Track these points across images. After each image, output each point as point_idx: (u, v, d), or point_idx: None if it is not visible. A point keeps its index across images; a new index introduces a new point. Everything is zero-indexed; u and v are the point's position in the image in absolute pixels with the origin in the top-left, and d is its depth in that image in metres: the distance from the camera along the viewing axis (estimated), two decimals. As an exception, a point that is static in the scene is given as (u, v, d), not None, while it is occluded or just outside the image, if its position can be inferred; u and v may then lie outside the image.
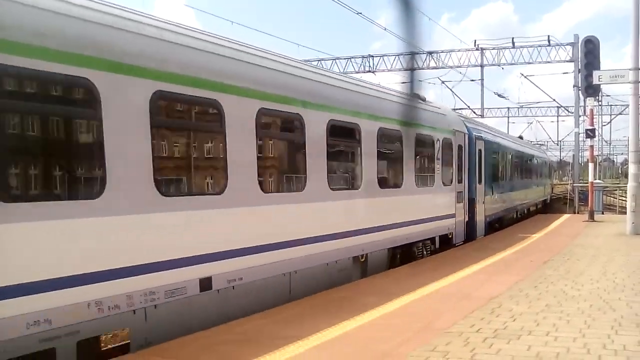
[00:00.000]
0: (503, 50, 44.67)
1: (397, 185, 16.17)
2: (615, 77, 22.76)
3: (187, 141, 9.73)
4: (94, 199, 7.72)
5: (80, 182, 8.08)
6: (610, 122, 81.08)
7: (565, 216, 33.41)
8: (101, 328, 7.91)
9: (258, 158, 10.70)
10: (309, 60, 34.26)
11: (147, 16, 9.12)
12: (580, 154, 44.49)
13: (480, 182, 23.58)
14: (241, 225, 10.31)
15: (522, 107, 70.90)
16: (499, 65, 45.45)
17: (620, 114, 71.86)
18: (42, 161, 7.60)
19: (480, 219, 23.44)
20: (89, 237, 7.63)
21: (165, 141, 9.18)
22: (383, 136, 14.94)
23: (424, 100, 19.91)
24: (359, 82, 15.71)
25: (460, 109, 46.38)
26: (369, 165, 14.38)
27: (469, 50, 45.55)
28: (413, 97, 14.63)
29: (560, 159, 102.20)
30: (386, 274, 14.16)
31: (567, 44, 41.82)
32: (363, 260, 14.37)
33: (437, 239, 19.08)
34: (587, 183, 32.55)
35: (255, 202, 10.55)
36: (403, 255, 16.61)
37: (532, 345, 7.54)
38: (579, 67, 32.45)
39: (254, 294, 10.44)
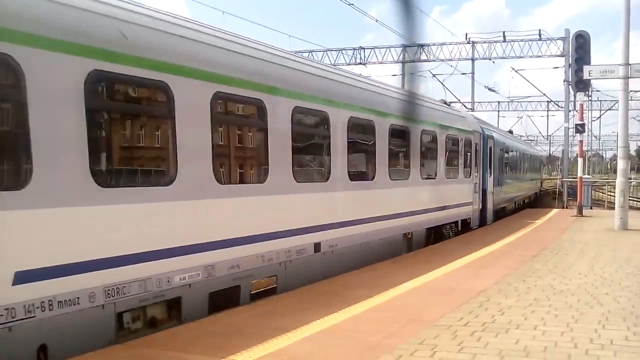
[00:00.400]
0: (494, 44, 44.87)
1: (433, 177, 19.65)
2: (606, 72, 22.80)
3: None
4: (262, 183, 11.15)
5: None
6: (600, 117, 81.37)
7: (554, 211, 33.50)
8: (264, 274, 11.07)
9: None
10: (300, 52, 34.20)
11: None
12: (569, 148, 44.72)
13: (490, 175, 27.24)
14: (337, 205, 13.66)
15: (512, 101, 71.16)
16: (489, 59, 45.65)
17: (609, 109, 72.29)
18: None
19: (490, 207, 27.08)
20: (262, 211, 11.07)
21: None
22: (423, 133, 18.51)
23: (448, 105, 24.48)
24: (375, 83, 17.08)
25: (450, 102, 46.50)
26: (415, 161, 17.89)
27: (460, 43, 45.71)
28: (441, 102, 20.35)
29: (550, 154, 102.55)
30: (374, 267, 14.17)
31: (558, 39, 42.00)
32: (410, 237, 17.70)
33: (459, 223, 22.65)
34: (576, 178, 32.68)
35: (346, 188, 13.93)
36: (435, 235, 19.94)
37: (520, 339, 7.55)
38: (570, 62, 32.62)
39: (343, 257, 13.69)
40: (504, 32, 44.31)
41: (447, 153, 20.86)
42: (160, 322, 8.92)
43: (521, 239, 19.37)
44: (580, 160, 31.02)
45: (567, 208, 35.09)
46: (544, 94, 58.61)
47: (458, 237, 20.97)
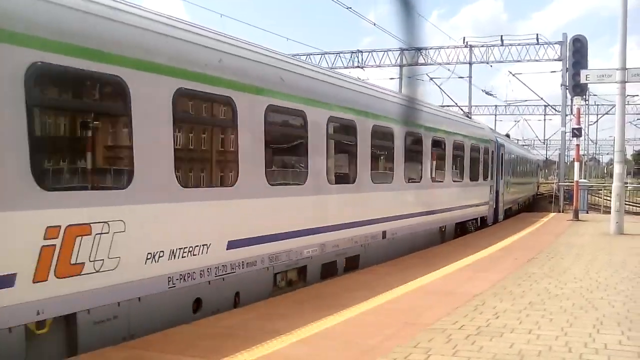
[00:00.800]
0: (492, 48, 44.88)
1: (461, 180, 23.45)
2: (603, 76, 22.86)
3: None
4: (351, 183, 14.80)
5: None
6: (597, 121, 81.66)
7: (551, 215, 33.55)
8: (351, 252, 14.69)
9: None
10: (297, 55, 34.23)
11: None
12: (566, 153, 44.75)
13: (501, 178, 31.05)
14: (394, 201, 17.09)
15: (509, 105, 71.27)
16: (487, 63, 45.67)
17: (606, 113, 72.42)
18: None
19: (501, 206, 31.15)
20: (353, 205, 14.85)
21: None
22: (454, 143, 22.32)
23: (470, 118, 29.06)
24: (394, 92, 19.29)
25: (448, 106, 46.49)
26: (449, 165, 21.92)
27: (457, 47, 45.73)
28: (465, 115, 25.61)
29: (547, 158, 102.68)
30: (372, 270, 14.21)
31: (555, 43, 42.01)
32: (443, 230, 21.59)
33: (479, 219, 26.84)
34: (572, 182, 32.73)
35: (399, 187, 17.26)
36: (461, 229, 23.99)
37: (514, 343, 7.58)
38: (567, 66, 32.64)
39: (400, 242, 17.38)
40: (501, 36, 44.38)
41: (471, 159, 24.71)
42: (294, 282, 12.53)
43: (517, 243, 19.41)
44: (577, 164, 31.08)
45: (563, 212, 35.12)
46: (541, 98, 58.72)
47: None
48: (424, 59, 45.62)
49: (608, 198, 36.04)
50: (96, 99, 8.64)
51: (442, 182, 21.19)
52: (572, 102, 36.67)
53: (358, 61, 46.61)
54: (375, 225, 15.83)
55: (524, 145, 68.80)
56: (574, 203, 30.14)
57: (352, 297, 10.57)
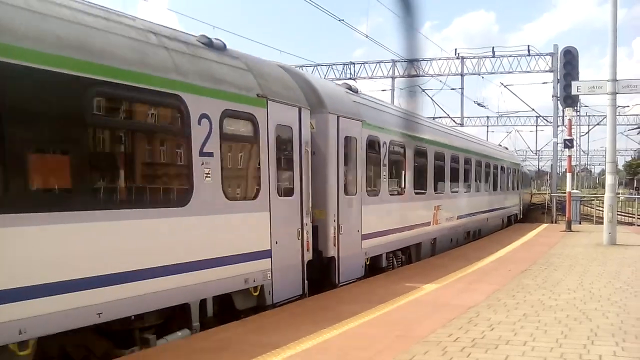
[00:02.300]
0: (483, 59, 45.06)
1: (500, 189, 33.44)
2: (594, 88, 22.98)
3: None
4: (401, 195, 17.95)
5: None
6: (588, 132, 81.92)
7: (543, 225, 33.62)
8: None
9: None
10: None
11: None
12: (558, 163, 44.88)
13: (519, 188, 41.07)
14: (441, 211, 21.25)
15: (501, 116, 71.39)
16: (479, 74, 45.85)
17: (598, 124, 72.61)
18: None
19: (521, 209, 42.21)
20: (406, 212, 17.93)
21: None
22: (499, 167, 32.96)
23: (507, 148, 39.04)
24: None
25: (440, 117, 46.72)
26: (494, 180, 30.59)
27: (449, 58, 45.90)
28: (504, 147, 37.73)
29: (539, 169, 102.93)
30: (367, 282, 14.18)
31: (546, 54, 42.28)
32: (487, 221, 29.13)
33: (511, 218, 38.20)
34: (564, 193, 32.80)
35: (408, 199, 18.36)
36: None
37: (509, 355, 7.59)
38: (558, 77, 32.79)
39: (442, 244, 21.56)
40: (493, 47, 44.55)
41: (508, 176, 36.22)
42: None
43: (510, 254, 19.44)
44: (569, 175, 31.15)
45: (556, 223, 35.23)
46: (533, 109, 58.68)
47: (451, 251, 21.13)
48: (416, 71, 45.62)
49: (600, 208, 36.11)
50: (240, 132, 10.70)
51: (495, 191, 31.90)
52: (563, 113, 36.81)
53: (350, 73, 46.75)
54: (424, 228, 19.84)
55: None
56: (567, 214, 30.20)
57: (348, 309, 10.54)
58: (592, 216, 39.39)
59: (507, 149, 42.33)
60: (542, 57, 42.61)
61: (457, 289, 12.76)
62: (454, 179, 23.35)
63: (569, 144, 30.31)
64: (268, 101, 11.06)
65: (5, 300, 6.53)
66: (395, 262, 16.92)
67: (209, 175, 9.46)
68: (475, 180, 27.02)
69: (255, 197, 10.79)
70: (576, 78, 26.69)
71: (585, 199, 47.56)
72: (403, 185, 17.95)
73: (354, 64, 47.27)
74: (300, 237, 12.04)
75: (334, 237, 13.41)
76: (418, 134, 19.15)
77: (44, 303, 6.91)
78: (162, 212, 8.69)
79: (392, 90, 47.31)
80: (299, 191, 12.07)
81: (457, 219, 23.87)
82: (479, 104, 56.33)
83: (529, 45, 43.00)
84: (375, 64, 46.38)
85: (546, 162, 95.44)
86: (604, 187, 29.23)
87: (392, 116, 16.95)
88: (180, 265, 8.88)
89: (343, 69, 47.18)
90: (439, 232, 21.12)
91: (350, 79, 46.47)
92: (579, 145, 78.98)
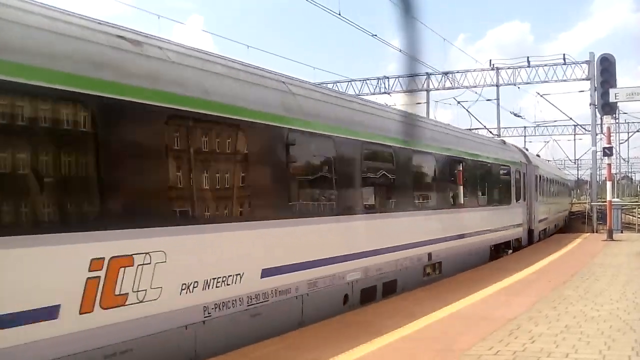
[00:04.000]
0: (518, 69, 44.75)
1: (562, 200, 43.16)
2: (632, 94, 22.80)
3: None
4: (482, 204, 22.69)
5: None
6: (628, 139, 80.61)
7: (584, 235, 33.18)
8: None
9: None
10: (324, 83, 34.42)
11: None
12: (597, 172, 44.32)
13: (535, 200, 32.35)
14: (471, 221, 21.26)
15: (538, 126, 70.79)
16: (514, 85, 45.51)
17: (637, 131, 71.58)
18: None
19: (535, 227, 34.37)
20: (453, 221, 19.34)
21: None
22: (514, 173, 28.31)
23: (504, 142, 32.18)
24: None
25: (476, 128, 46.36)
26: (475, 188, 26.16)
27: (484, 70, 45.66)
28: (500, 142, 29.68)
29: (578, 178, 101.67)
30: (406, 296, 14.11)
31: (582, 62, 41.84)
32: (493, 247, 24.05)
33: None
34: (605, 202, 32.36)
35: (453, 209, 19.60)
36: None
37: (551, 368, 7.49)
38: (595, 85, 32.41)
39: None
40: (528, 57, 44.26)
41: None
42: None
43: (551, 265, 19.21)
44: (609, 183, 30.76)
45: (597, 232, 34.71)
46: (570, 118, 58.27)
47: (491, 263, 21.13)
48: (451, 83, 45.64)
49: (642, 216, 35.56)
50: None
51: (491, 205, 23.60)
52: (602, 121, 36.39)
53: (385, 87, 46.76)
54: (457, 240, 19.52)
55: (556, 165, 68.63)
56: (608, 223, 29.78)
57: (387, 324, 10.50)
58: (634, 224, 38.77)
59: (504, 142, 31.08)
60: (578, 65, 42.21)
61: (497, 301, 12.64)
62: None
63: (608, 152, 29.95)
64: (522, 163, 27.95)
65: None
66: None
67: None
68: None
69: (517, 201, 26.74)
70: (614, 85, 26.42)
71: (626, 207, 46.86)
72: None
73: (388, 78, 47.30)
74: (525, 219, 28.00)
75: (533, 219, 29.81)
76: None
77: None
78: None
79: (427, 103, 47.20)
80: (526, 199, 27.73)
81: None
82: (515, 114, 56.02)
83: (564, 54, 42.70)
84: (409, 78, 46.26)
85: (585, 170, 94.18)
86: (645, 194, 28.79)
87: (543, 162, 33.09)
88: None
89: (377, 83, 47.22)
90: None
91: (385, 93, 46.51)
92: (619, 153, 77.80)
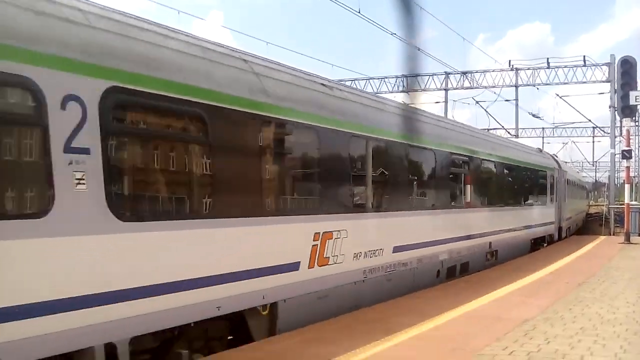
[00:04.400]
0: (538, 70, 44.50)
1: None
2: (653, 97, 22.53)
3: None
4: (527, 204, 27.29)
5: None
6: (647, 142, 79.92)
7: (601, 238, 32.98)
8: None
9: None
10: (342, 80, 34.37)
11: None
12: (615, 174, 44.00)
13: (564, 200, 34.98)
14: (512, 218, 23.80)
15: (557, 127, 70.30)
16: (533, 86, 45.25)
17: (657, 134, 70.89)
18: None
19: (564, 225, 35.77)
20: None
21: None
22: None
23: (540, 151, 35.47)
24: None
25: (494, 129, 46.23)
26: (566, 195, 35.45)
27: (503, 70, 45.42)
28: (537, 150, 33.20)
29: (596, 180, 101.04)
30: (420, 295, 14.10)
31: (603, 64, 41.55)
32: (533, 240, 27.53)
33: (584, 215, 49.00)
34: (623, 204, 32.15)
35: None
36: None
37: (566, 369, 7.46)
38: (616, 88, 32.19)
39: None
40: (547, 58, 44.00)
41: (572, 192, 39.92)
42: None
43: (567, 266, 19.11)
44: (627, 186, 30.56)
45: (614, 235, 34.49)
46: (589, 120, 57.69)
47: (505, 264, 21.08)
48: (470, 83, 45.47)
49: (660, 220, 35.25)
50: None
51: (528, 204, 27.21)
52: (621, 124, 36.13)
53: (403, 85, 46.60)
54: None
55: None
56: (625, 226, 29.59)
57: (400, 322, 10.50)
58: (652, 228, 38.43)
59: (540, 150, 35.63)
60: (598, 67, 41.91)
61: (512, 302, 12.59)
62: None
63: (627, 154, 29.78)
64: (555, 168, 32.07)
65: None
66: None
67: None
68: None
69: (551, 202, 30.43)
70: (634, 88, 26.25)
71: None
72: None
73: (406, 76, 47.09)
74: (556, 217, 30.10)
75: (562, 218, 32.92)
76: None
77: None
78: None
79: (445, 102, 47.07)
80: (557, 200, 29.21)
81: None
82: (534, 115, 55.58)
83: (584, 56, 42.40)
84: (428, 77, 46.15)
85: (603, 172, 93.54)
86: (663, 198, 28.62)
87: (569, 166, 34.97)
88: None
89: (395, 81, 47.09)
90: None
91: (403, 91, 46.40)
92: (638, 156, 77.20)
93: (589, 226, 46.08)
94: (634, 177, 64.93)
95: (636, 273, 16.96)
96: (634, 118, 39.20)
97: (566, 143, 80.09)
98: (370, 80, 47.35)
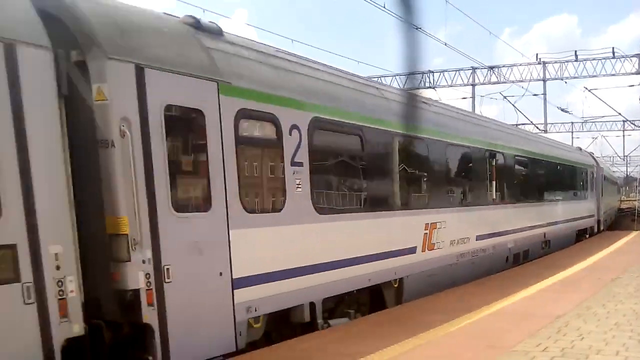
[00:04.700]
0: (566, 63, 44.02)
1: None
2: (684, 89, 22.19)
3: None
4: (573, 199, 28.93)
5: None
6: (679, 135, 78.90)
7: (633, 233, 32.61)
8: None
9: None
10: (370, 77, 34.28)
11: None
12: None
13: (602, 195, 37.20)
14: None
15: (586, 121, 69.54)
16: (561, 79, 44.77)
17: (689, 127, 69.92)
18: None
19: (602, 219, 37.24)
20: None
21: None
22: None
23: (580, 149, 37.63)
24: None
25: (522, 124, 45.81)
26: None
27: (530, 64, 45.00)
28: (577, 149, 34.87)
29: (627, 175, 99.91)
30: (452, 291, 14.04)
31: (633, 56, 40.96)
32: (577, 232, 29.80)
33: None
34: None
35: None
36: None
37: (601, 365, 7.36)
38: (646, 80, 31.76)
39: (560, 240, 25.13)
40: (575, 51, 43.47)
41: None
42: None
43: (599, 262, 18.91)
44: (659, 180, 30.08)
45: (646, 230, 34.08)
46: (619, 113, 56.86)
47: (539, 260, 21.16)
48: (497, 77, 45.12)
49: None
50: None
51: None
52: (652, 116, 35.69)
53: (430, 82, 46.38)
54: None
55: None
56: (658, 220, 29.20)
57: (432, 319, 10.44)
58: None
59: (580, 149, 38.25)
60: (628, 59, 41.32)
61: (544, 298, 12.49)
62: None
63: (658, 147, 29.22)
64: (594, 165, 34.60)
65: None
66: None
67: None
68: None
69: (591, 197, 32.72)
70: (665, 79, 25.84)
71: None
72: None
73: (432, 72, 46.82)
74: (596, 211, 27.52)
75: (600, 212, 34.80)
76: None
77: None
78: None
79: (473, 98, 46.77)
80: (596, 195, 26.75)
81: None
82: (562, 110, 55.00)
83: (613, 47, 41.80)
84: (454, 72, 45.88)
85: (634, 167, 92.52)
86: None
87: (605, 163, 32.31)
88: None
89: (422, 77, 46.85)
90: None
91: (430, 87, 46.19)
92: (670, 149, 76.19)
93: (620, 221, 45.64)
94: (666, 170, 64.13)
95: (670, 268, 16.73)
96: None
97: (596, 137, 79.24)
98: (396, 77, 47.18)
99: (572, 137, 72.17)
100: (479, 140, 17.41)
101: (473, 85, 46.33)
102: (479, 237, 16.74)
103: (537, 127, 47.72)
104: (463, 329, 9.76)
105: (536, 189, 23.16)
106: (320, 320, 10.25)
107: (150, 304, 7.24)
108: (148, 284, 7.24)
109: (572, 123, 70.94)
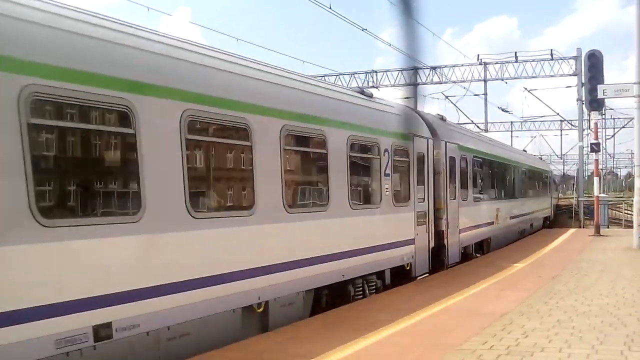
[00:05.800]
0: (506, 64, 44.83)
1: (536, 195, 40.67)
2: (620, 91, 22.80)
3: None
4: (533, 196, 38.21)
5: None
6: (614, 135, 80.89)
7: (571, 230, 33.34)
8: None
9: None
10: (314, 76, 34.33)
11: None
12: (584, 167, 44.53)
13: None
14: (500, 212, 27.39)
15: (525, 121, 70.84)
16: (502, 80, 45.58)
17: (623, 127, 71.78)
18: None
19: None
20: (482, 212, 23.98)
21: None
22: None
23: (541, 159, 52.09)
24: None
25: (464, 123, 46.50)
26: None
27: (472, 65, 45.70)
28: (539, 158, 50.31)
29: (564, 173, 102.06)
30: (396, 291, 14.15)
31: (570, 58, 41.97)
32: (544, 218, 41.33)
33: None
34: (592, 197, 32.53)
35: (484, 203, 24.79)
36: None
37: (545, 362, 7.54)
38: (583, 81, 32.55)
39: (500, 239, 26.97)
40: (515, 52, 44.33)
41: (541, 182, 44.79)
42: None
43: (539, 260, 19.33)
44: (596, 179, 30.90)
45: (584, 227, 34.90)
46: (557, 113, 58.17)
47: (478, 259, 21.21)
48: (439, 78, 45.69)
49: (629, 212, 35.79)
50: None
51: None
52: (589, 117, 36.55)
53: (373, 81, 46.70)
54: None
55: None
56: (595, 218, 29.93)
57: (380, 318, 10.53)
58: (621, 220, 39.01)
59: (541, 158, 48.74)
60: (565, 61, 42.32)
61: (488, 297, 12.71)
62: (509, 186, 30.34)
63: (595, 147, 30.07)
64: (550, 170, 51.62)
65: None
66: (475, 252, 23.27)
67: (388, 189, 14.39)
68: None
69: (548, 195, 43.73)
70: (601, 81, 26.47)
71: (612, 202, 47.11)
72: (480, 192, 23.54)
73: (376, 72, 47.22)
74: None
75: (552, 207, 44.15)
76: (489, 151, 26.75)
77: None
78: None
79: (415, 97, 47.15)
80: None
81: (511, 218, 29.75)
82: (502, 110, 56.00)
83: (552, 50, 42.75)
84: (397, 72, 46.28)
85: (571, 166, 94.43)
86: (630, 189, 29.08)
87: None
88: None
89: (365, 77, 47.15)
90: (499, 229, 26.65)
91: (373, 87, 46.48)
92: (605, 149, 78.08)
93: (558, 219, 46.57)
94: (601, 169, 65.76)
95: (607, 265, 17.20)
96: (601, 111, 39.66)
97: (534, 137, 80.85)
98: (340, 76, 47.35)
99: (512, 136, 73.58)
100: (519, 161, 30.90)
101: (415, 84, 46.74)
102: (512, 217, 28.93)
103: (478, 127, 48.54)
104: (409, 328, 9.86)
105: (528, 187, 34.11)
106: None
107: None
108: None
109: (512, 122, 72.28)
